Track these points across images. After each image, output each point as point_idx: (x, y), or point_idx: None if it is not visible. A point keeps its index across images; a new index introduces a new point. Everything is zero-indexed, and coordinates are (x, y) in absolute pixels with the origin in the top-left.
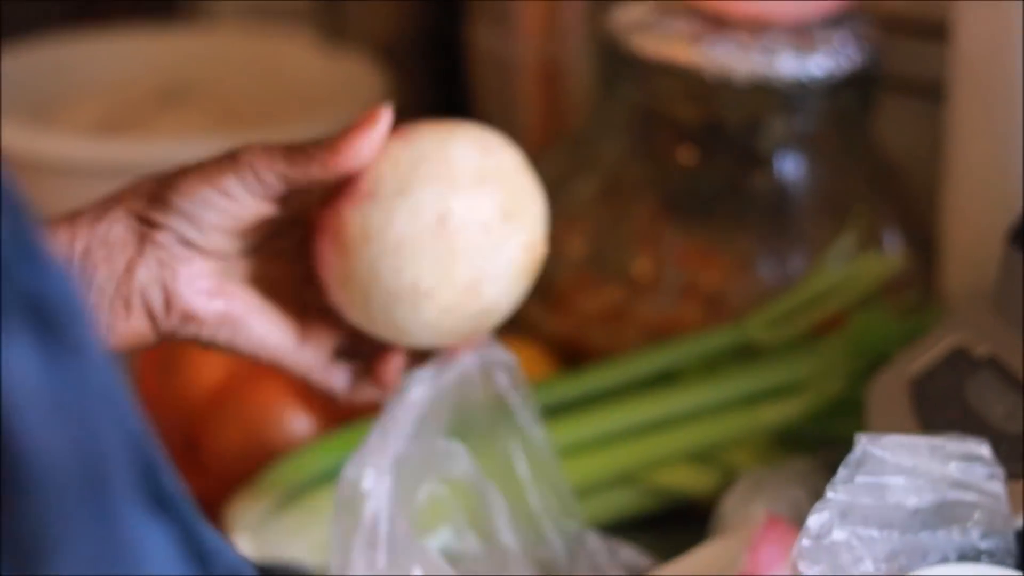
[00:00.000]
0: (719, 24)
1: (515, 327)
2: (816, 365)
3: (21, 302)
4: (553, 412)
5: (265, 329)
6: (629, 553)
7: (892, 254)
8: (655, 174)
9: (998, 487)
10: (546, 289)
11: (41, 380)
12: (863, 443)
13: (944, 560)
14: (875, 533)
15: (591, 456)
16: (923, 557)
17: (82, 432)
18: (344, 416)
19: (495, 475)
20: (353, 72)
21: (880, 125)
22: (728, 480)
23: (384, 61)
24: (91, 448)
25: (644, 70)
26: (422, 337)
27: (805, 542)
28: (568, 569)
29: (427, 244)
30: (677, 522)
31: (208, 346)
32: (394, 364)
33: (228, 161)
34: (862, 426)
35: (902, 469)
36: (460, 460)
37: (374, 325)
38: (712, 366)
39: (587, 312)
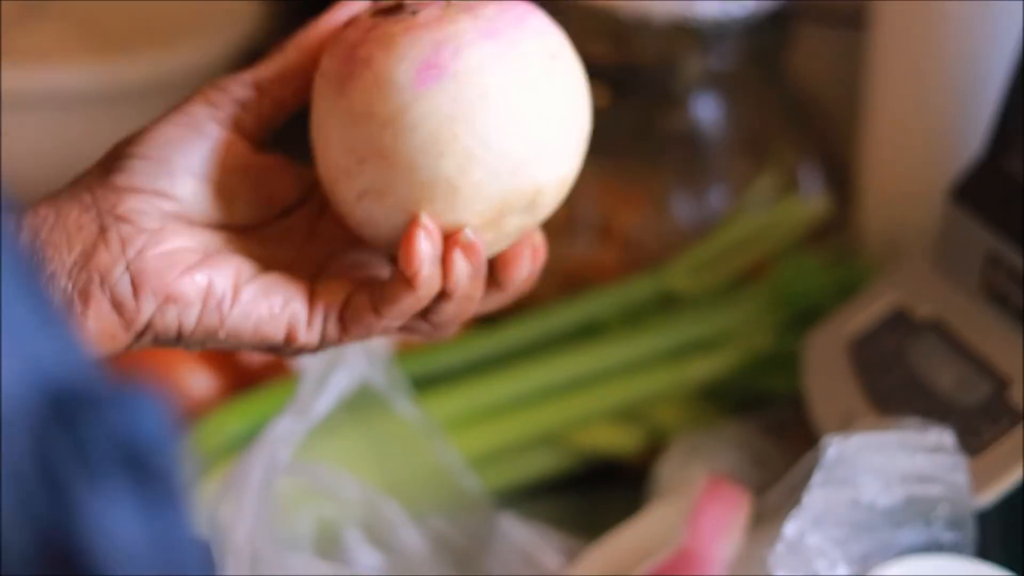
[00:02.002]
0: None
1: None
2: (741, 316)
3: (116, 447)
4: (466, 371)
5: (265, 310)
6: (556, 537)
7: (811, 194)
8: None
9: (962, 477)
10: None
11: (139, 533)
12: (834, 446)
13: (907, 554)
14: (848, 534)
15: (509, 417)
16: (895, 554)
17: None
18: (248, 376)
19: (375, 473)
20: None
21: (798, 58)
22: (655, 439)
23: None
24: None
25: (553, 6)
26: (469, 205)
27: (781, 548)
28: (484, 559)
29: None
30: (603, 483)
31: (195, 346)
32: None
33: (190, 94)
34: (794, 382)
35: (872, 468)
36: (341, 479)
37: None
38: (633, 318)
39: None
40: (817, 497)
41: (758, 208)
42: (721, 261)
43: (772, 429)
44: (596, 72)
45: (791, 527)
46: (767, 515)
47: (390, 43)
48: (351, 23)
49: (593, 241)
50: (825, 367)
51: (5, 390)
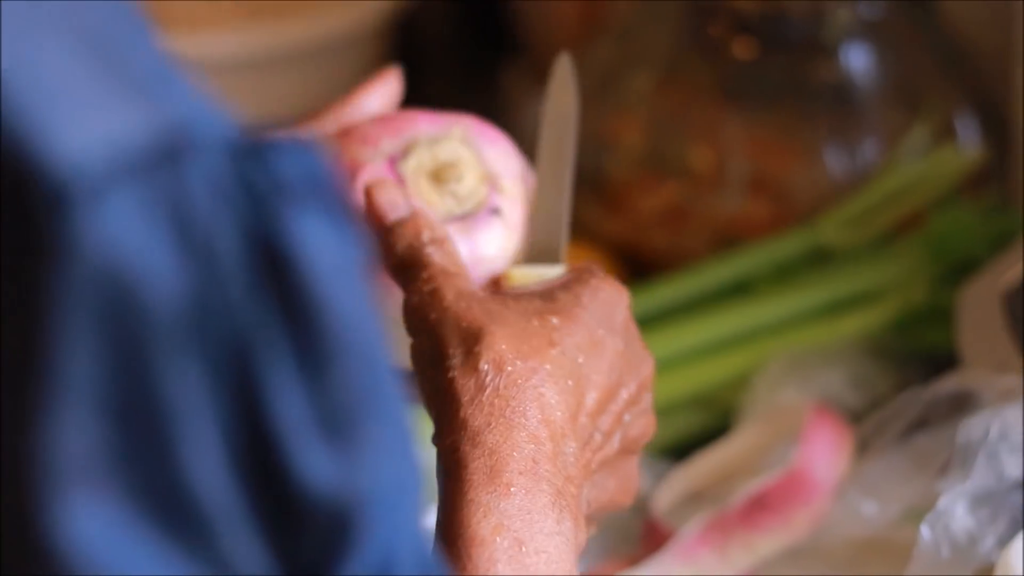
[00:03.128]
0: None
1: (571, 230)
2: (896, 270)
3: (304, 178)
4: None
5: None
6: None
7: (967, 145)
8: (712, 67)
9: None
10: (602, 187)
11: (338, 250)
12: (996, 424)
13: None
14: (995, 512)
15: (661, 376)
16: None
17: (370, 299)
18: None
19: None
20: None
21: (950, 3)
22: None
23: None
24: (376, 315)
25: None
26: None
27: (925, 531)
28: None
29: None
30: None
31: None
32: None
33: None
34: (950, 336)
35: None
36: None
37: None
38: (785, 274)
39: (647, 212)
40: (969, 476)
41: (912, 159)
42: (875, 214)
43: (874, 351)
44: (743, 24)
45: (945, 501)
46: (867, 443)
47: None
48: None
49: (744, 196)
50: (979, 319)
51: (202, 120)
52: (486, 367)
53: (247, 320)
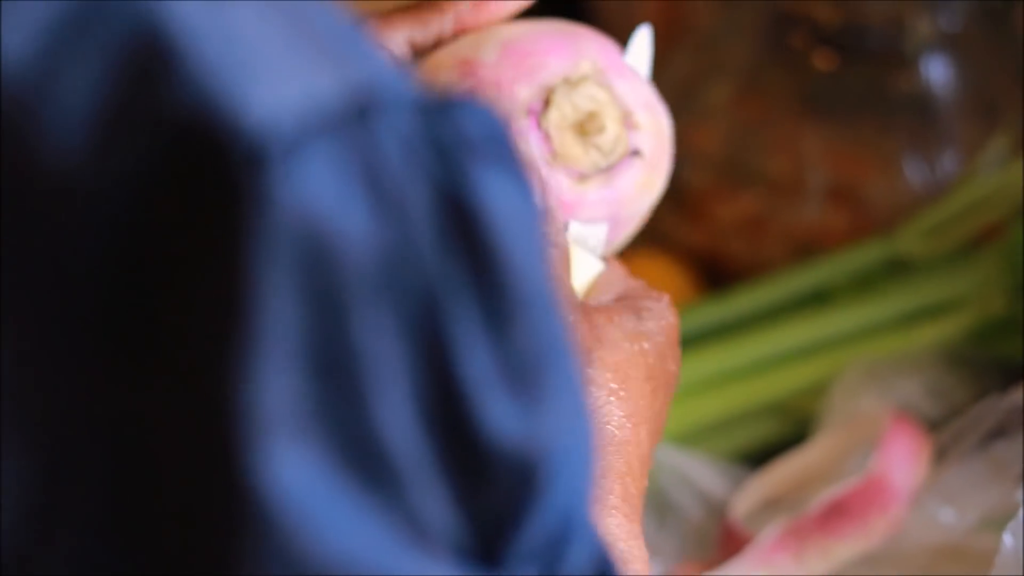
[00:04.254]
0: None
1: (648, 238)
2: (975, 280)
3: (485, 133)
4: (696, 338)
5: None
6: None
7: None
8: (792, 78)
9: None
10: (681, 196)
11: (522, 205)
12: None
13: None
14: None
15: (738, 384)
16: None
17: (547, 255)
18: None
19: None
20: None
21: None
22: None
23: None
24: (552, 271)
25: None
26: None
27: (1007, 539)
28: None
29: None
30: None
31: None
32: None
33: None
34: None
35: None
36: None
37: None
38: (863, 283)
39: (725, 221)
40: None
41: (991, 170)
42: (954, 225)
43: (951, 360)
44: (823, 35)
45: None
46: (945, 452)
47: None
48: None
49: (823, 205)
50: None
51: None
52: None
53: (436, 274)
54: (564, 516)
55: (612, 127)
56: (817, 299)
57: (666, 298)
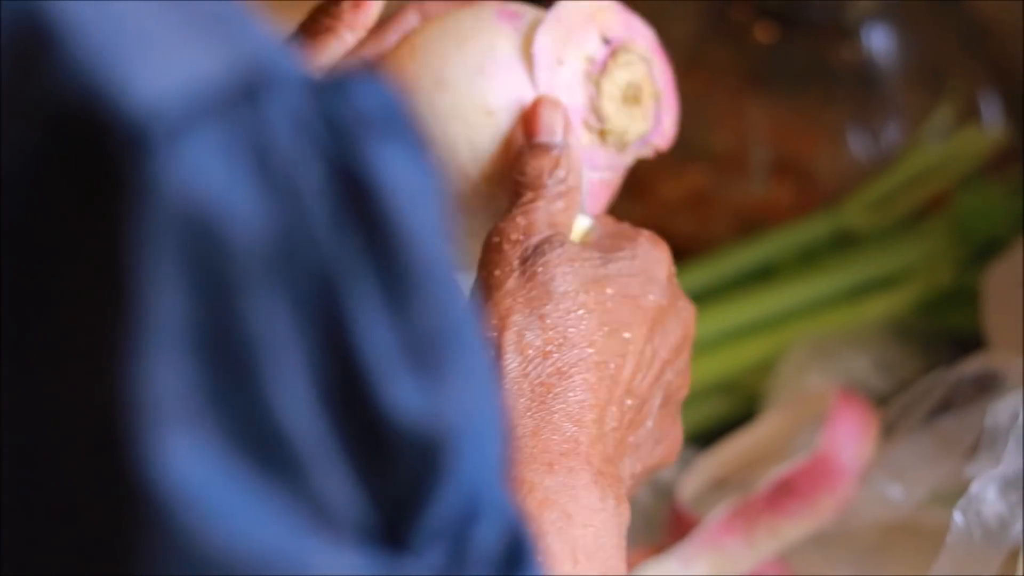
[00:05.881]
0: None
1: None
2: (921, 252)
3: (378, 108)
4: None
5: None
6: None
7: (991, 126)
8: (734, 51)
9: None
10: (625, 175)
11: (417, 178)
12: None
13: None
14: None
15: None
16: None
17: (447, 231)
18: None
19: None
20: None
21: None
22: None
23: None
24: (451, 248)
25: None
26: None
27: (958, 516)
28: None
29: None
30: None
31: None
32: None
33: None
34: (976, 318)
35: None
36: None
37: None
38: (809, 257)
39: (670, 197)
40: (1001, 462)
41: (936, 140)
42: (899, 196)
43: (899, 333)
44: (764, 7)
45: (974, 488)
46: (893, 427)
47: None
48: None
49: (767, 180)
50: (1005, 300)
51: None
52: (531, 352)
53: (332, 253)
54: (471, 494)
55: (648, 103)
56: (763, 274)
57: (641, 237)
